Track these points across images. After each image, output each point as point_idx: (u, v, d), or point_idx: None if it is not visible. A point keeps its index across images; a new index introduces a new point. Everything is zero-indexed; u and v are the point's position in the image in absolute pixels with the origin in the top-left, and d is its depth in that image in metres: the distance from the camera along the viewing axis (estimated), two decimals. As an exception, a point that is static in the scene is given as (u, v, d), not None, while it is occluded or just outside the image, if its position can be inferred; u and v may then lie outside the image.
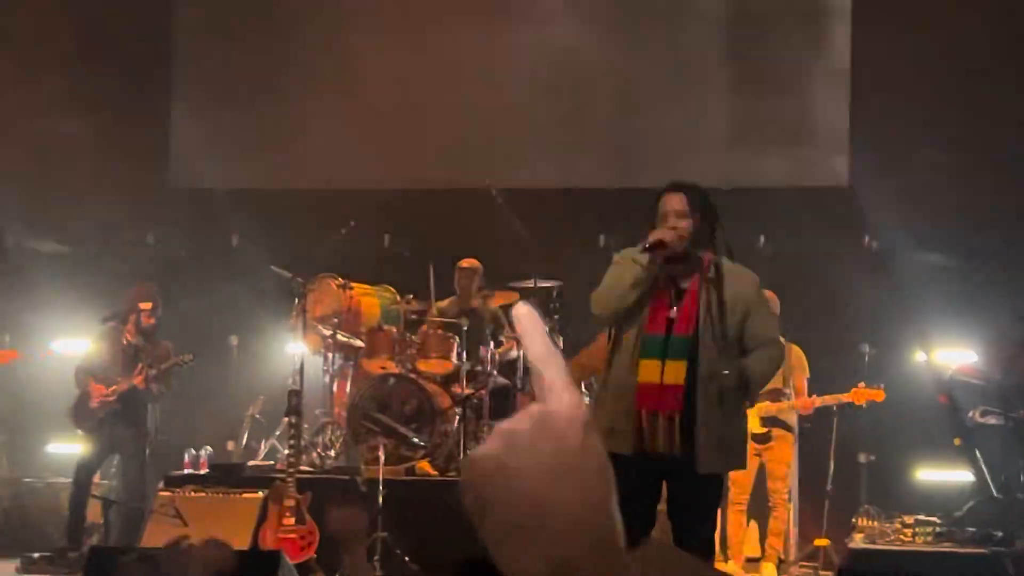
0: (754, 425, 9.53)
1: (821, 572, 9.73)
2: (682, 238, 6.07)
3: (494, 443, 1.48)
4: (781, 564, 9.69)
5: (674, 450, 6.05)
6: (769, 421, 9.56)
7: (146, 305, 10.11)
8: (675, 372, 6.06)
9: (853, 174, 11.71)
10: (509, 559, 1.48)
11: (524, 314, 1.67)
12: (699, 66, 12.19)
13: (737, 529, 9.59)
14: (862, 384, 9.60)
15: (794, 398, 9.63)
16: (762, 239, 11.75)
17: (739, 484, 9.51)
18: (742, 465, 6.55)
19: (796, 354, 9.68)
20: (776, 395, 9.51)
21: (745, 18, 12.09)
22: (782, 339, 9.37)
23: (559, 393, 1.47)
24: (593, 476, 1.36)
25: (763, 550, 9.74)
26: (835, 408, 9.92)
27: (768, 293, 9.55)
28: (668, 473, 6.14)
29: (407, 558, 8.69)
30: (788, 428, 9.63)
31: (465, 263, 10.85)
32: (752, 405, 6.41)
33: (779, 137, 11.95)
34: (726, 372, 6.01)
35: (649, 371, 6.08)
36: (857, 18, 11.78)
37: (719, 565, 9.74)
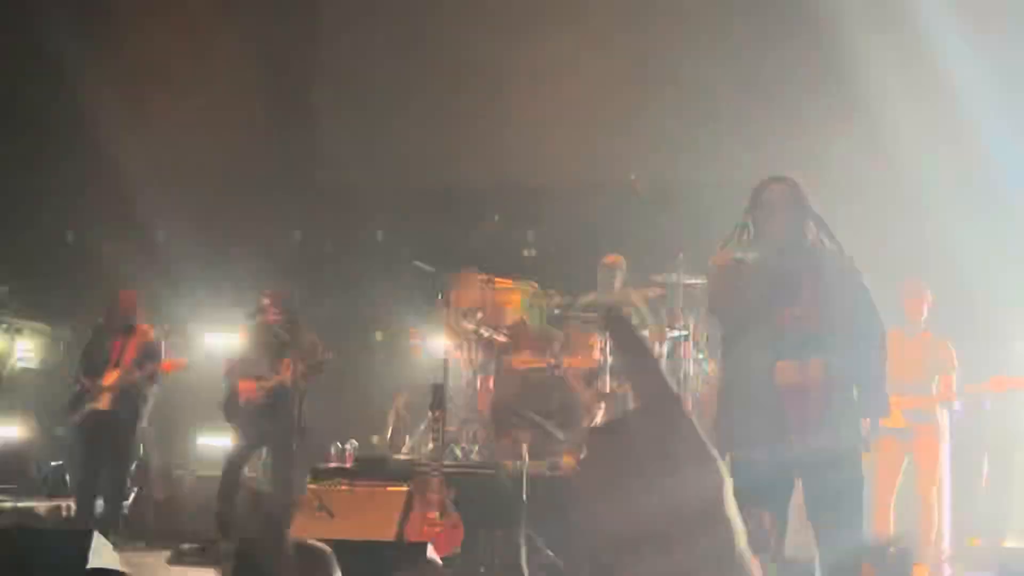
0: (896, 420, 9.32)
1: (975, 572, 9.50)
2: (785, 229, 6.09)
3: (598, 451, 1.43)
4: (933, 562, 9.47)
5: (812, 443, 5.99)
6: (913, 415, 9.31)
7: (270, 300, 10.28)
8: (811, 368, 6.02)
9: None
10: (625, 572, 1.43)
11: (617, 320, 1.64)
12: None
13: (884, 528, 9.38)
14: (1002, 374, 9.34)
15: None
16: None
17: (885, 484, 9.31)
18: (866, 448, 6.36)
19: (945, 351, 9.46)
20: (920, 389, 9.31)
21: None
22: (930, 334, 9.26)
23: (660, 399, 1.41)
24: (705, 480, 1.30)
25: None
26: (989, 406, 9.71)
27: (916, 282, 9.44)
28: (805, 469, 6.05)
29: (550, 552, 8.67)
30: (934, 423, 9.38)
31: (608, 259, 10.82)
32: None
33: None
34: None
35: (785, 371, 6.04)
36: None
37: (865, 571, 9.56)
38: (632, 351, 1.58)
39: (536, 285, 11.08)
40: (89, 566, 5.68)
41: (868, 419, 6.16)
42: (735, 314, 6.23)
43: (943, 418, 9.46)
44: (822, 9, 11.35)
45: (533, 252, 11.73)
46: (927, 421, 9.34)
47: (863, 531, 6.36)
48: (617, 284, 10.75)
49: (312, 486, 9.50)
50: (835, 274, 6.11)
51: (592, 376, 10.34)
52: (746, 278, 6.10)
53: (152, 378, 10.83)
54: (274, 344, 10.26)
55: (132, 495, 11.40)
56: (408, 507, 9.03)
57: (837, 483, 6.01)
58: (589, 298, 10.84)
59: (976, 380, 9.43)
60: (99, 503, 10.75)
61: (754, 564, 1.59)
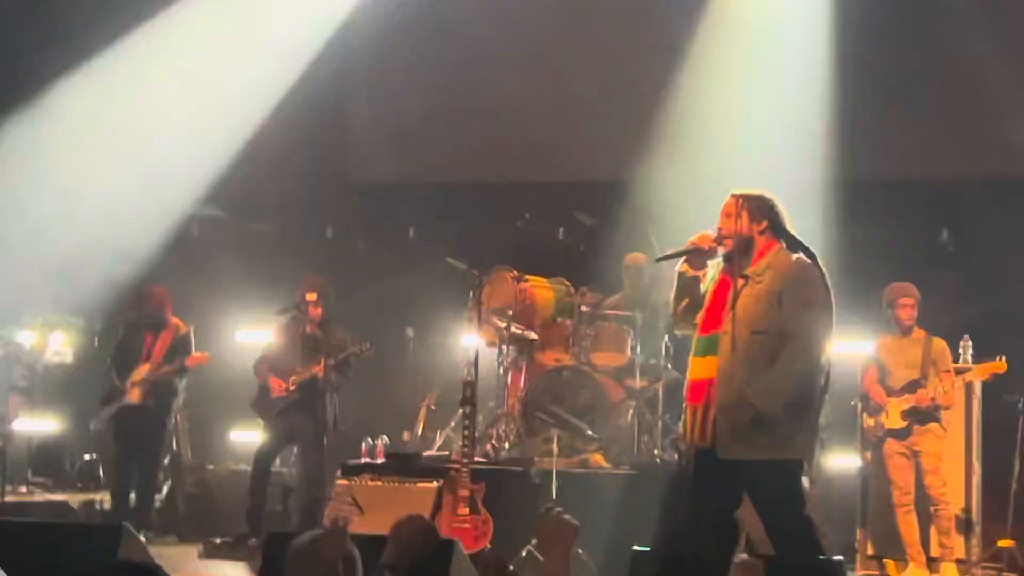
0: (895, 420, 9.35)
1: (1006, 574, 9.46)
2: (719, 238, 6.43)
3: None
4: (963, 564, 9.41)
5: (704, 441, 6.31)
6: (910, 414, 9.32)
7: (311, 296, 10.29)
8: (704, 367, 6.35)
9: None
10: None
11: None
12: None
13: (909, 530, 9.35)
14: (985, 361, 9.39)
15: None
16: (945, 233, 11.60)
17: (898, 485, 9.32)
18: (778, 454, 6.33)
19: (938, 346, 9.47)
20: (914, 387, 9.32)
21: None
22: (923, 332, 9.31)
23: None
24: None
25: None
26: (1020, 406, 9.68)
27: (902, 284, 9.44)
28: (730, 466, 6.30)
29: (580, 550, 8.66)
30: (932, 419, 9.36)
31: (630, 258, 10.80)
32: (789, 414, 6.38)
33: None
34: (739, 412, 6.16)
35: (693, 368, 6.49)
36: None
37: (891, 567, 9.54)
38: None
39: (568, 283, 11.07)
40: (120, 558, 5.71)
41: None
42: (672, 318, 6.82)
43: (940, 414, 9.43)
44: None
45: (565, 249, 11.68)
46: (926, 418, 9.34)
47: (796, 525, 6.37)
48: (643, 282, 10.71)
49: (343, 481, 9.52)
50: (770, 280, 6.30)
51: (622, 374, 10.33)
52: (677, 286, 6.62)
53: (182, 372, 10.89)
54: (306, 339, 10.29)
55: (164, 489, 11.47)
56: (438, 503, 9.05)
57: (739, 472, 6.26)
58: (616, 298, 10.81)
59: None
60: (132, 497, 10.82)
61: None
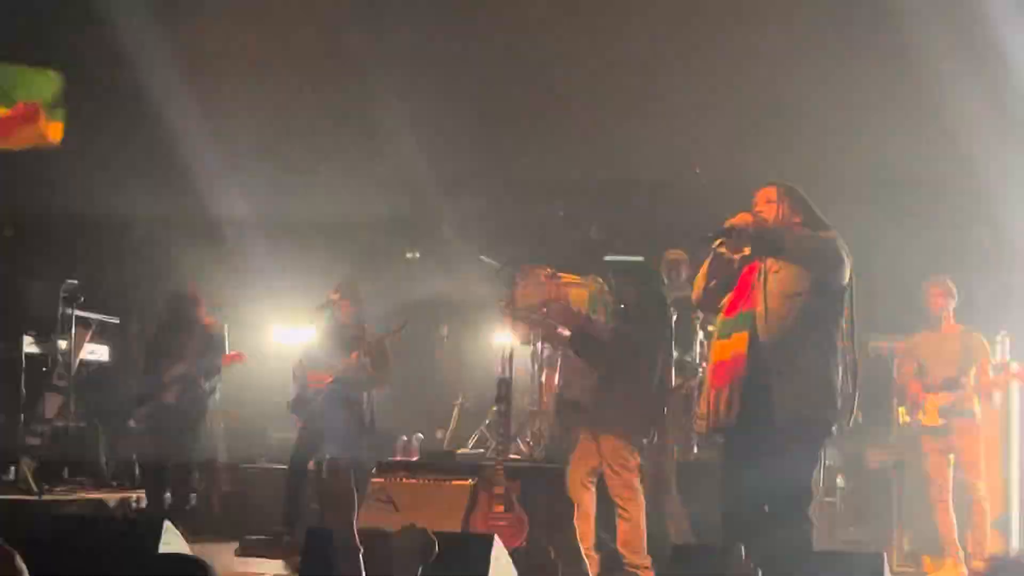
0: (932, 418, 9.31)
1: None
2: (758, 222, 6.44)
3: None
4: (999, 560, 9.36)
5: (730, 419, 6.31)
6: (948, 411, 9.29)
7: (343, 293, 10.33)
8: (731, 346, 6.36)
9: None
10: None
11: None
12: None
13: (946, 527, 9.32)
14: None
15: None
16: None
17: (936, 482, 9.29)
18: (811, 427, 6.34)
19: (977, 342, 9.44)
20: (952, 384, 9.27)
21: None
22: (959, 327, 9.32)
23: None
24: None
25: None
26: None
27: (937, 279, 9.46)
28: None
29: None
30: (970, 416, 9.33)
31: (671, 254, 10.79)
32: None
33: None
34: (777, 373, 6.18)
35: (718, 351, 6.49)
36: None
37: (927, 564, 9.51)
38: None
39: (601, 280, 11.05)
40: (161, 551, 5.75)
41: None
42: (695, 300, 6.89)
43: (990, 408, 9.40)
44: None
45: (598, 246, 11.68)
46: (964, 415, 9.30)
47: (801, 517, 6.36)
48: (682, 279, 10.70)
49: (378, 479, 9.53)
50: (792, 258, 6.35)
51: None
52: (705, 268, 6.68)
53: (216, 371, 10.92)
54: (340, 335, 10.31)
55: (200, 488, 11.51)
56: (473, 501, 9.04)
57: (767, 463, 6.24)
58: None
59: None
60: (167, 495, 10.85)
61: None
